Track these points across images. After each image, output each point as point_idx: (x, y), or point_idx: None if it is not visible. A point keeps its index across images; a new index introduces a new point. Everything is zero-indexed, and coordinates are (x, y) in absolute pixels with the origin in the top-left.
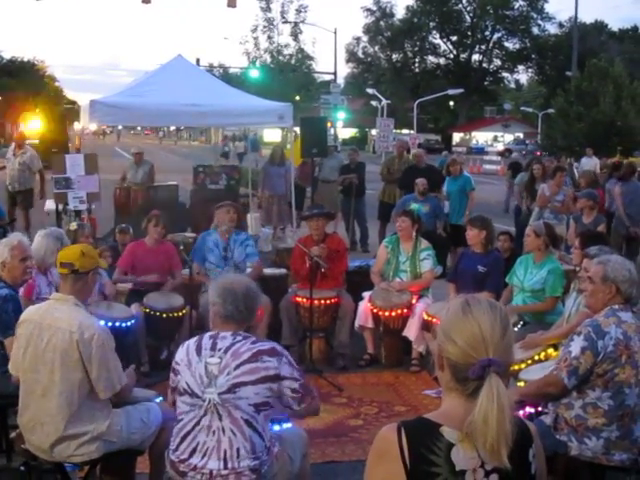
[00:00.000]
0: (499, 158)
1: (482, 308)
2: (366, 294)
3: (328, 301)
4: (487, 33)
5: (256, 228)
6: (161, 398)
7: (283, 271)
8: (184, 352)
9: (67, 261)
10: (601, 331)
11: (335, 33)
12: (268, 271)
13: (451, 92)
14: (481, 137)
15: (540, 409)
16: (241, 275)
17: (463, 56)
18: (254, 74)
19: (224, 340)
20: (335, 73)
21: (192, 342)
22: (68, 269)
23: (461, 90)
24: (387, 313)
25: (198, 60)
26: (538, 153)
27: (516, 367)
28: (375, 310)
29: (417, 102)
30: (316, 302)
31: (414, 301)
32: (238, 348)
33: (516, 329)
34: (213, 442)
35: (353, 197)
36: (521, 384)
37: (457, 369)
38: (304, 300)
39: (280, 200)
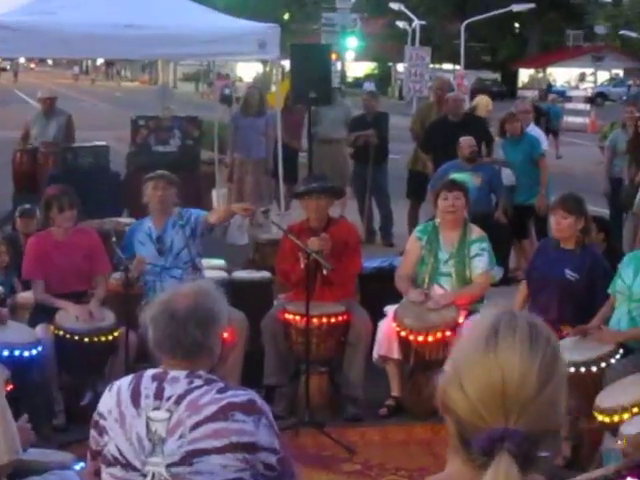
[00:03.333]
0: (588, 107)
1: (515, 343)
2: (390, 309)
3: (333, 319)
4: None
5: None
6: (82, 464)
7: (265, 275)
8: (113, 400)
9: None
10: None
11: None
12: (243, 275)
13: (517, 8)
14: (561, 75)
15: None
16: (198, 283)
17: None
18: None
19: (175, 384)
20: None
21: (125, 384)
22: None
23: (531, 5)
24: (421, 338)
25: None
26: None
27: (615, 418)
28: (403, 333)
29: (465, 23)
30: (315, 321)
31: (461, 320)
32: (197, 398)
33: (614, 360)
34: None
35: (370, 165)
36: (623, 444)
37: (462, 427)
38: (297, 318)
39: (258, 168)
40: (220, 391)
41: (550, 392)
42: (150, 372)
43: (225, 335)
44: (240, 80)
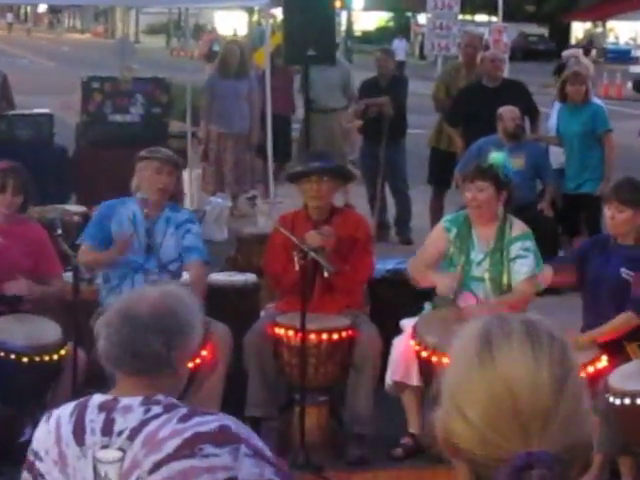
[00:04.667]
0: None
1: (513, 349)
2: (407, 323)
3: (335, 336)
4: None
5: (198, 197)
6: None
7: (250, 278)
8: (52, 436)
9: None
10: None
11: None
12: (221, 278)
13: None
14: (625, 30)
15: None
16: (168, 286)
17: None
18: None
19: (128, 414)
20: None
21: (66, 415)
22: None
23: None
24: (445, 359)
25: None
26: None
27: None
28: (425, 354)
29: None
30: (313, 337)
31: None
32: (156, 431)
33: None
34: None
35: (384, 141)
36: None
37: (477, 467)
38: (290, 333)
39: (240, 143)
40: (183, 419)
41: (570, 395)
42: (97, 399)
43: (203, 353)
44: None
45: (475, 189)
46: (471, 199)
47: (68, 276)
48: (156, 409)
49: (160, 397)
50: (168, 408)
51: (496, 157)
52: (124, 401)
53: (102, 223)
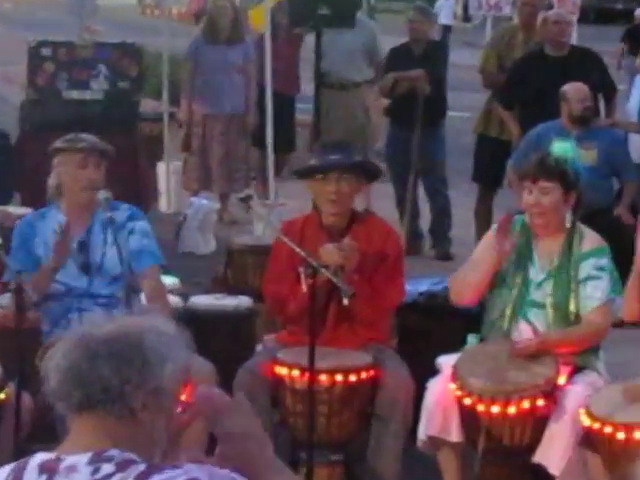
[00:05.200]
0: None
1: None
2: (446, 362)
3: (353, 377)
4: None
5: (177, 197)
6: None
7: (243, 302)
8: None
9: None
10: None
11: None
12: (206, 302)
13: None
14: None
15: None
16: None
17: None
18: None
19: (72, 475)
20: None
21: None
22: None
23: None
24: (498, 409)
25: None
26: None
27: None
28: (469, 401)
29: None
30: (324, 379)
31: (562, 380)
32: None
33: None
34: None
35: (417, 127)
36: None
37: None
38: (295, 374)
39: (232, 129)
40: (140, 478)
41: None
42: (38, 459)
43: (182, 397)
44: None
45: (538, 192)
46: (533, 204)
47: (7, 298)
48: (107, 468)
49: (114, 452)
50: (122, 466)
51: (561, 148)
52: (68, 460)
53: (27, 245)
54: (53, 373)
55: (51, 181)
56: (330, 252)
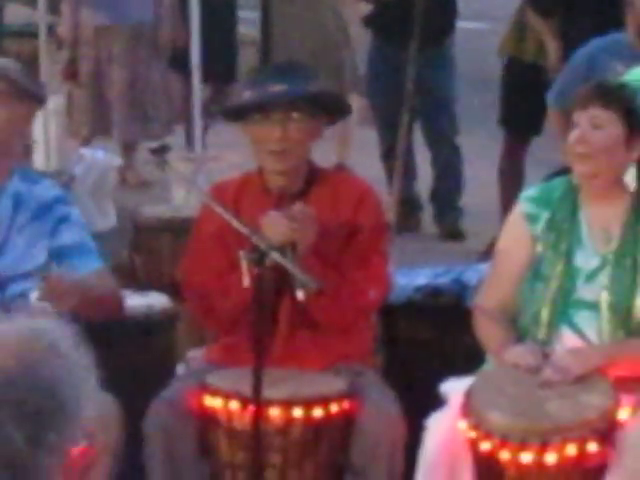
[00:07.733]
0: None
1: None
2: (452, 389)
3: (318, 412)
4: None
5: (58, 149)
6: None
7: (158, 302)
8: None
9: None
10: None
11: None
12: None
13: None
14: None
15: None
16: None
17: None
18: None
19: None
20: None
21: None
22: None
23: None
24: (530, 457)
25: None
26: None
27: None
28: (487, 445)
29: None
30: (276, 415)
31: (624, 414)
32: None
33: None
34: None
35: (413, 44)
36: None
37: None
38: (233, 407)
39: (139, 47)
40: None
41: None
42: None
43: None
44: None
45: (587, 123)
46: (577, 140)
47: None
48: None
49: None
50: None
51: (636, 74)
52: None
53: None
54: None
55: None
56: (275, 224)
